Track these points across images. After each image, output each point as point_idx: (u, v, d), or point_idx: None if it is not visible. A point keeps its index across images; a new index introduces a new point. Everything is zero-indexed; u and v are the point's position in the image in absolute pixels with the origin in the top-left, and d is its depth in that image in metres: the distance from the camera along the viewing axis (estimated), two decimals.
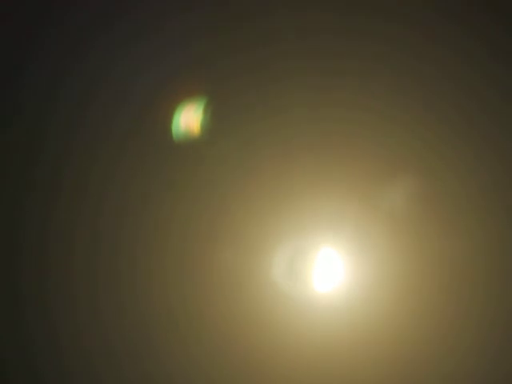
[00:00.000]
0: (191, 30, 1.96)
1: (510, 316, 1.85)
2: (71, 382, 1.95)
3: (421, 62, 1.88)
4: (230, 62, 1.94)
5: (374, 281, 1.87)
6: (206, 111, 1.96)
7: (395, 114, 1.89)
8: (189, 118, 1.96)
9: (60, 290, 1.95)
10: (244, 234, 1.91)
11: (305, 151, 1.90)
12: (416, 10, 1.90)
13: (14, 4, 1.98)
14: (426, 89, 1.88)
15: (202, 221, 1.93)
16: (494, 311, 1.85)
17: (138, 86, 1.97)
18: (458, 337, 1.85)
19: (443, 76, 1.88)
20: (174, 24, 1.97)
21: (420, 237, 1.87)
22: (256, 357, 1.88)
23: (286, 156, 1.91)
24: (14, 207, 1.98)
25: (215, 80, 1.95)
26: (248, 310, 1.89)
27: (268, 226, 1.90)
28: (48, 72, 1.98)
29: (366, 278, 1.88)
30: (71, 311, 1.95)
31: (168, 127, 1.97)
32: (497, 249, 1.86)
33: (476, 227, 1.87)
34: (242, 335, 1.88)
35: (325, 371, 1.86)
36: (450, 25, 1.89)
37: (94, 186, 1.96)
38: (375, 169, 1.88)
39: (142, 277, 1.94)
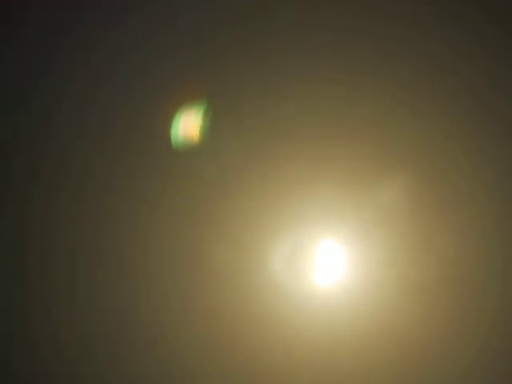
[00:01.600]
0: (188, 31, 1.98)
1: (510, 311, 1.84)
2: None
3: (426, 54, 1.88)
4: (227, 58, 1.95)
5: (375, 275, 1.86)
6: (202, 108, 1.97)
7: (398, 106, 1.90)
8: (187, 119, 1.97)
9: (60, 288, 1.95)
10: (242, 229, 1.91)
11: (303, 144, 1.91)
12: None
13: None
14: (429, 80, 1.89)
15: (200, 214, 1.92)
16: (496, 307, 1.84)
17: (136, 88, 1.98)
18: (460, 332, 1.83)
19: (448, 67, 1.89)
20: (172, 25, 1.99)
21: (422, 230, 1.86)
22: (256, 353, 1.86)
23: (284, 148, 1.91)
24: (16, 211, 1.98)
25: (212, 76, 1.96)
26: (248, 305, 1.88)
27: (266, 219, 1.90)
28: (49, 72, 2.00)
29: (366, 272, 1.87)
30: (69, 309, 1.94)
31: (166, 127, 1.98)
32: (499, 244, 1.85)
33: (478, 222, 1.86)
34: (242, 331, 1.87)
35: (326, 366, 1.84)
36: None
37: (93, 186, 1.97)
38: (377, 161, 1.88)
39: (139, 275, 1.93)
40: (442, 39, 1.88)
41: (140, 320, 1.90)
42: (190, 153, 1.95)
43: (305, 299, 1.87)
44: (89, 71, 2.00)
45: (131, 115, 1.97)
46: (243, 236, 1.90)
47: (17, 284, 1.94)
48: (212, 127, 1.95)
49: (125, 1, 1.98)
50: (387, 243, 1.86)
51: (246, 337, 1.86)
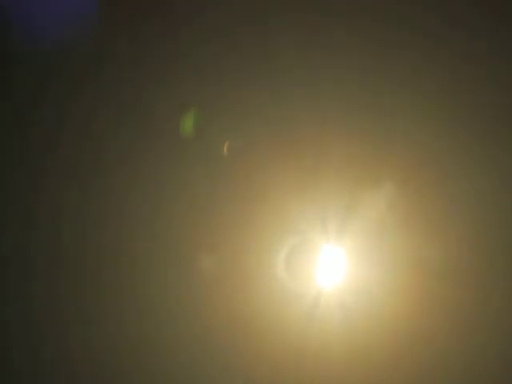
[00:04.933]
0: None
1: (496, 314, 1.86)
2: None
3: (426, 60, 1.88)
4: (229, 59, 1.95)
5: (374, 278, 1.88)
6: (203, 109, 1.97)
7: (399, 106, 1.90)
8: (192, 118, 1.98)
9: (67, 287, 1.96)
10: (246, 232, 1.92)
11: (305, 148, 1.91)
12: None
13: None
14: (431, 87, 1.89)
15: (203, 216, 1.93)
16: (486, 308, 1.86)
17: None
18: (458, 330, 1.85)
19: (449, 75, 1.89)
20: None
21: (420, 235, 1.88)
22: (259, 354, 1.88)
23: (286, 152, 1.91)
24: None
25: (214, 77, 1.96)
26: (251, 308, 1.89)
27: (269, 223, 1.91)
28: None
29: (368, 275, 1.89)
30: (72, 310, 1.95)
31: (175, 126, 1.98)
32: (492, 248, 1.88)
33: (474, 225, 1.88)
34: (246, 333, 1.89)
35: (327, 367, 1.86)
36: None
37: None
38: (377, 164, 1.89)
39: (142, 274, 1.94)
40: (448, 47, 1.88)
41: (140, 320, 1.92)
42: (191, 155, 1.95)
43: (306, 300, 1.89)
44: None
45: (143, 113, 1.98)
46: (244, 238, 1.91)
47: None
48: (214, 128, 1.96)
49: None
50: (387, 246, 1.88)
51: (249, 338, 1.88)
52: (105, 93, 2.00)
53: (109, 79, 2.00)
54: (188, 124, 1.96)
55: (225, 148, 1.94)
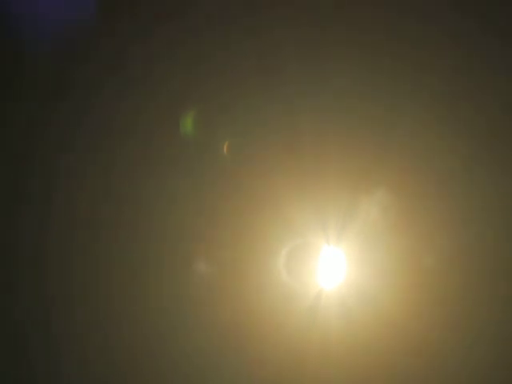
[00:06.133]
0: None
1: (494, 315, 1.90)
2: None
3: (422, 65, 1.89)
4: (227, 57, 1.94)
5: (375, 278, 1.90)
6: (205, 109, 1.97)
7: (397, 113, 1.91)
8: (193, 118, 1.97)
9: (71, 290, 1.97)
10: (246, 232, 1.93)
11: (305, 149, 1.92)
12: None
13: None
14: (430, 96, 1.90)
15: (203, 216, 1.94)
16: (500, 309, 1.91)
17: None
18: (458, 330, 1.89)
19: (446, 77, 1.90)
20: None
21: (418, 237, 1.90)
22: (259, 355, 1.90)
23: (284, 153, 1.92)
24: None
25: (212, 74, 1.96)
26: (252, 309, 1.91)
27: (270, 223, 1.92)
28: None
29: (367, 276, 1.91)
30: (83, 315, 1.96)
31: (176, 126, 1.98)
32: (490, 249, 1.91)
33: (471, 225, 1.91)
34: (246, 334, 1.90)
35: (327, 368, 1.89)
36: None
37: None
38: (377, 166, 1.90)
39: (137, 276, 1.95)
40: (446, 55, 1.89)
41: (139, 321, 1.94)
42: (190, 154, 1.95)
43: (307, 301, 1.92)
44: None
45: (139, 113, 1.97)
46: (246, 241, 1.92)
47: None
48: (212, 127, 1.96)
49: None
50: (385, 248, 1.91)
51: (250, 338, 1.90)
52: (104, 94, 1.99)
53: (109, 80, 1.99)
54: (188, 126, 1.96)
55: (225, 148, 1.94)
